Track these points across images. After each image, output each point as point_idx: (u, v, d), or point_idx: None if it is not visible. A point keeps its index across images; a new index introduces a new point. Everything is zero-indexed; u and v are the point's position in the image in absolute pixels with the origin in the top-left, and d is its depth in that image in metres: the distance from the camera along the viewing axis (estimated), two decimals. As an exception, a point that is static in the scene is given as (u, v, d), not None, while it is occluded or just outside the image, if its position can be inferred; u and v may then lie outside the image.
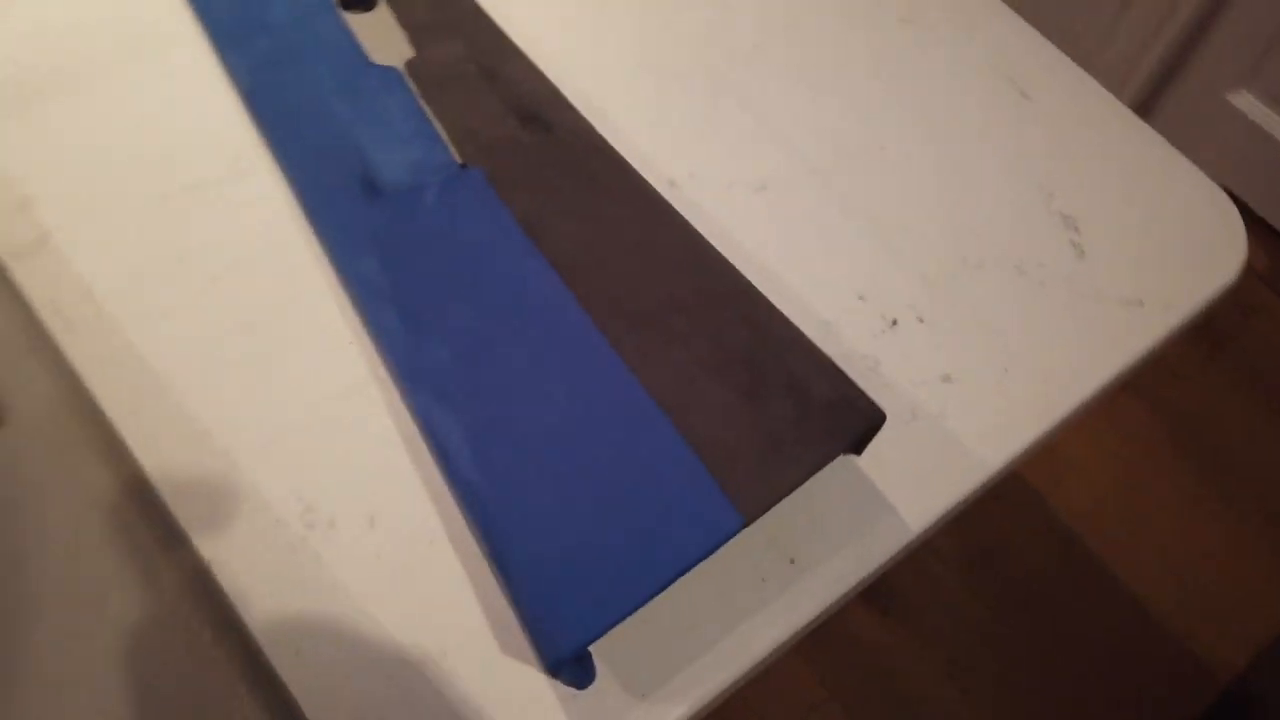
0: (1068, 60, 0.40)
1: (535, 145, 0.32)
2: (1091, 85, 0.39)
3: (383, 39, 0.35)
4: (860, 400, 0.26)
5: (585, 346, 0.27)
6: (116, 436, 0.28)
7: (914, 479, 0.30)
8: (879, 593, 0.96)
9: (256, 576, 0.27)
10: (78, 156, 0.34)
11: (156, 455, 0.29)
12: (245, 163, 0.34)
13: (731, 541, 0.25)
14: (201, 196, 0.34)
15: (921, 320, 0.33)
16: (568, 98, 0.34)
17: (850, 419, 0.26)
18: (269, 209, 0.33)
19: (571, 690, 0.25)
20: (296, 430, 0.29)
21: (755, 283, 0.33)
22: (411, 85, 0.34)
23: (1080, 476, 1.05)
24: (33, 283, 0.32)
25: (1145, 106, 1.14)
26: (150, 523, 0.25)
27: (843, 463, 0.30)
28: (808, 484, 0.28)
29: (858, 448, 0.28)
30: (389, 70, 0.34)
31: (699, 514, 0.24)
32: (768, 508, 0.24)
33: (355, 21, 0.35)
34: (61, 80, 0.36)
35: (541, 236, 0.30)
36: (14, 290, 0.30)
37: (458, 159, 0.32)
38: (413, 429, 0.29)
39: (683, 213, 0.33)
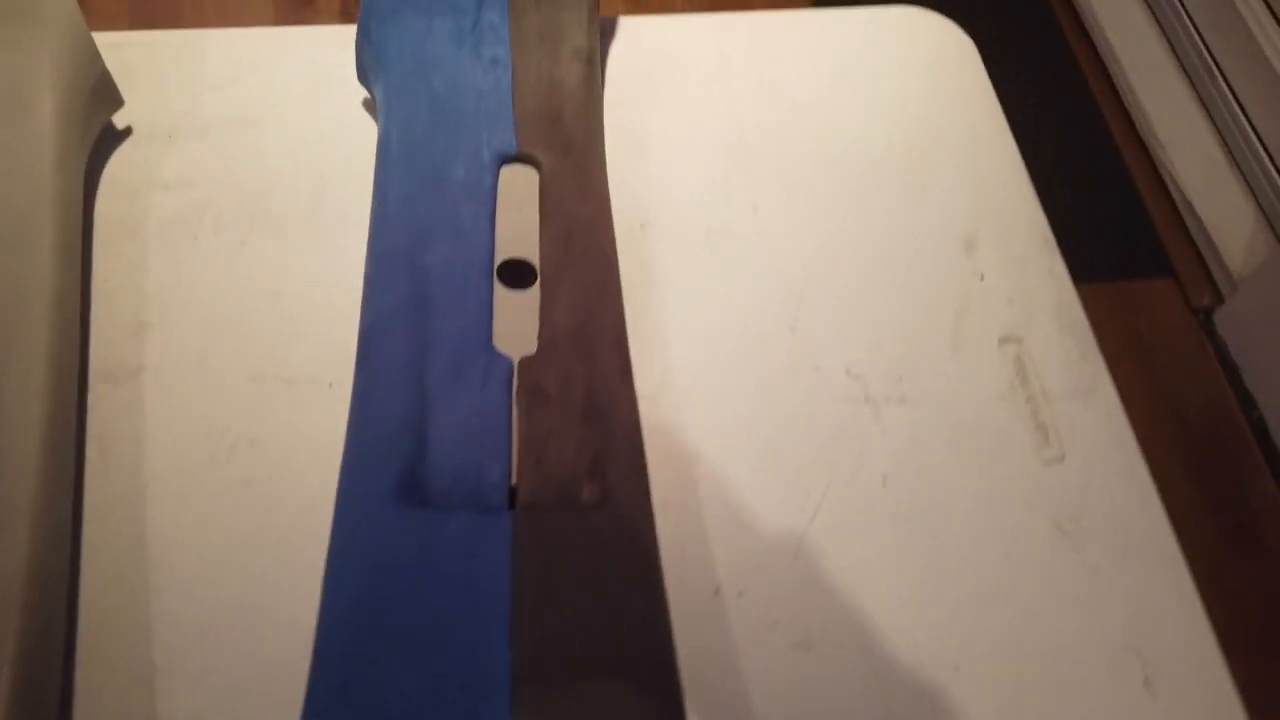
0: (1218, 655, 0.34)
1: (585, 509, 0.30)
2: (1233, 703, 0.33)
3: (516, 323, 0.34)
4: None
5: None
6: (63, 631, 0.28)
7: None
8: None
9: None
10: (207, 304, 0.35)
11: (95, 665, 0.29)
12: (334, 380, 0.34)
13: None
14: (284, 394, 0.34)
15: None
16: (652, 467, 0.32)
17: None
18: (325, 438, 0.33)
19: None
20: (224, 693, 0.29)
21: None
22: (515, 381, 0.33)
23: None
24: (99, 410, 0.33)
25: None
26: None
27: None
28: None
29: None
30: (502, 361, 0.33)
31: None
32: None
33: (503, 295, 0.35)
34: (234, 218, 0.37)
35: (521, 622, 0.28)
36: (69, 413, 0.31)
37: (513, 478, 0.31)
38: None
39: (709, 630, 0.30)
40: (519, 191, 0.37)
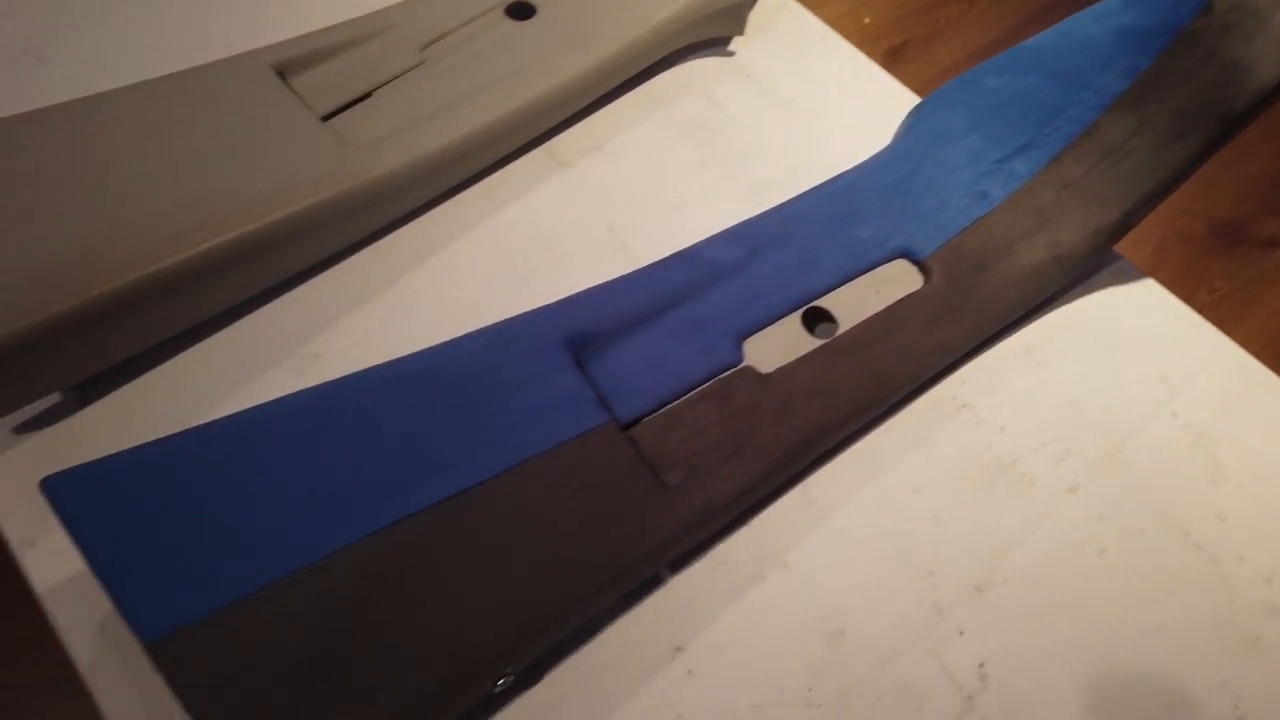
0: None
1: None
2: None
3: (774, 350, 0.36)
4: None
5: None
6: None
7: None
8: None
9: None
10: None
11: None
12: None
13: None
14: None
15: None
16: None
17: None
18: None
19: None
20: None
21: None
22: (701, 385, 0.35)
23: None
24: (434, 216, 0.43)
25: None
26: None
27: None
28: None
29: None
30: (731, 354, 0.35)
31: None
32: None
33: (789, 327, 0.37)
34: (699, 140, 0.44)
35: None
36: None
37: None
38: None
39: None
40: (890, 282, 0.38)
